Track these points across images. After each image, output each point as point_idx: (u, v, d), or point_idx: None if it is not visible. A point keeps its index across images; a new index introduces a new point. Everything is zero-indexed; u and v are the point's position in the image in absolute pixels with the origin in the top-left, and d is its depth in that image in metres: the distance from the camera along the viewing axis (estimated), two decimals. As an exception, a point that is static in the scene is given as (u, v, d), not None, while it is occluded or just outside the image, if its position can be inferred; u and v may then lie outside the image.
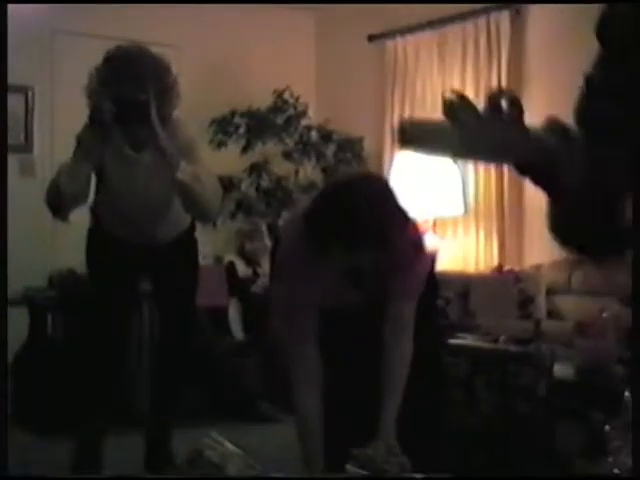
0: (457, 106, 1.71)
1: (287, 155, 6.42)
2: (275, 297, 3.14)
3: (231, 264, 5.65)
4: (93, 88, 3.64)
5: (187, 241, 3.96)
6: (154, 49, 3.79)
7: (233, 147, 6.34)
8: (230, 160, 6.14)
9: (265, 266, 5.59)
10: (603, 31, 1.57)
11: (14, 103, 5.77)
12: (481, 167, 5.96)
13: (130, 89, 3.56)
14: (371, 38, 6.72)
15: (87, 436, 3.86)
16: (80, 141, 3.66)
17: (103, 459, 3.84)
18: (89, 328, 3.96)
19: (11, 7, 5.58)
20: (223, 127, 6.34)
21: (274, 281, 3.22)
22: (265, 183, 6.39)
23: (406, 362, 2.86)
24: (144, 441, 3.99)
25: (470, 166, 6.01)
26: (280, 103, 6.48)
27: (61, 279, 5.19)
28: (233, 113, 6.39)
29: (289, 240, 2.90)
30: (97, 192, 3.82)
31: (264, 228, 5.80)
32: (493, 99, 1.70)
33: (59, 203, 3.66)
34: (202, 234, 4.12)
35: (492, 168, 5.89)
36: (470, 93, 5.79)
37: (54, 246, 5.62)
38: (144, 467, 3.92)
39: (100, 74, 3.61)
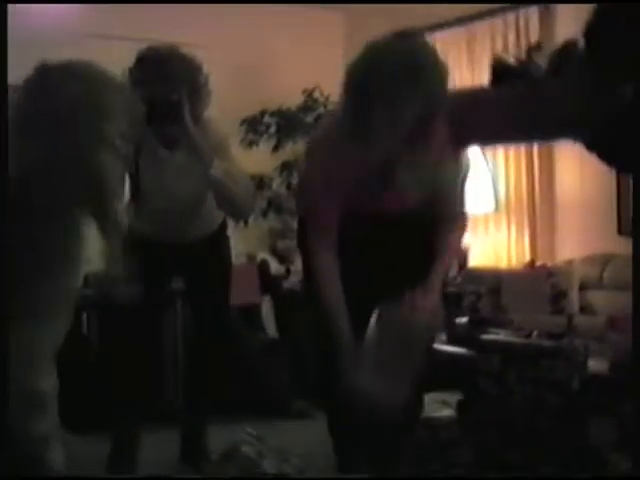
0: (510, 67, 1.67)
1: (317, 153, 6.44)
2: (305, 180, 3.21)
3: (264, 262, 5.68)
4: None
5: (219, 239, 4.00)
6: (185, 50, 3.83)
7: (264, 146, 6.37)
8: (261, 159, 6.18)
9: (297, 264, 5.61)
10: None
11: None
12: (511, 162, 5.96)
13: (162, 89, 3.60)
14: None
15: (122, 434, 3.91)
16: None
17: (138, 456, 3.88)
18: (123, 327, 3.99)
19: (42, 10, 5.68)
20: (254, 126, 6.37)
21: (305, 169, 3.29)
22: (296, 181, 6.42)
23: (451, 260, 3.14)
24: (179, 437, 4.02)
25: (500, 162, 6.01)
26: (310, 102, 6.50)
27: (96, 278, 5.24)
28: (263, 113, 6.42)
29: (323, 131, 3.07)
30: (130, 192, 3.86)
31: (296, 226, 5.82)
32: (558, 57, 1.66)
33: None
34: (234, 232, 4.16)
35: (522, 163, 5.89)
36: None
37: (89, 246, 5.67)
38: (179, 463, 3.96)
39: (132, 75, 3.65)
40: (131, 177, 3.78)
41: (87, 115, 2.29)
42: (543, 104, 1.69)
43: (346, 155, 2.82)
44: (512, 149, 5.97)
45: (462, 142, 2.09)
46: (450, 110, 1.89)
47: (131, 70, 3.66)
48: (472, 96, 1.90)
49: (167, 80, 3.61)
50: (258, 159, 6.06)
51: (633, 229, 1.71)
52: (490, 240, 6.07)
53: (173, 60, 3.68)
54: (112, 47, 5.68)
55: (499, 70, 1.73)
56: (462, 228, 3.17)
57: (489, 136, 1.87)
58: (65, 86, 2.32)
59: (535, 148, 5.87)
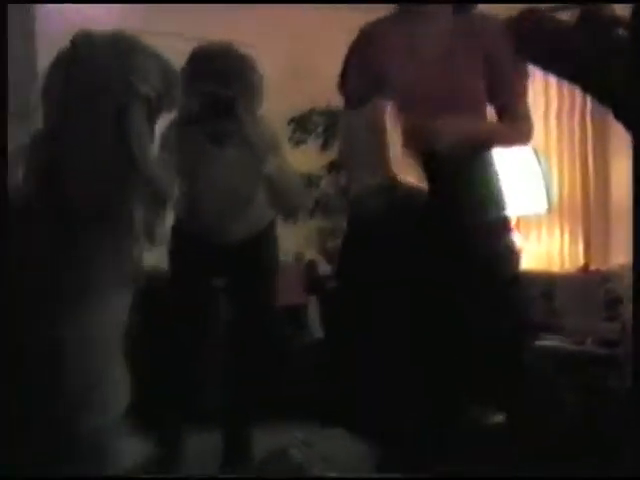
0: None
1: (366, 153, 6.37)
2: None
3: (311, 262, 5.64)
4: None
5: (267, 238, 3.96)
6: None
7: (312, 145, 6.32)
8: (309, 158, 6.12)
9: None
10: None
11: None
12: (565, 163, 5.85)
13: (216, 86, 3.57)
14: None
15: (166, 434, 3.88)
16: (166, 138, 3.67)
17: (182, 457, 3.85)
18: (168, 326, 3.97)
19: (98, 9, 5.68)
20: (302, 125, 6.32)
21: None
22: (344, 181, 6.35)
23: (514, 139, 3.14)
24: (222, 439, 3.99)
25: (554, 163, 5.91)
26: (359, 100, 6.43)
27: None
28: (311, 111, 6.37)
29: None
30: (179, 190, 3.83)
31: (344, 226, 5.77)
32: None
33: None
34: (282, 231, 4.11)
35: (577, 165, 5.78)
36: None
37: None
38: (222, 465, 3.93)
39: (186, 72, 3.62)
40: (181, 173, 3.75)
41: (119, 74, 2.32)
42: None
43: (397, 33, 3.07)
44: (566, 150, 5.87)
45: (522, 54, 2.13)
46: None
47: (185, 67, 3.64)
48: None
49: (221, 76, 3.58)
50: (306, 158, 6.00)
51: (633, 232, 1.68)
52: (542, 243, 5.96)
53: (227, 57, 3.66)
54: (165, 45, 5.67)
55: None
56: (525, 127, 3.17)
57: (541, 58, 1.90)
58: (96, 52, 2.35)
59: (590, 149, 5.76)
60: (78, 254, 2.29)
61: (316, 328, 5.49)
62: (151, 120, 2.41)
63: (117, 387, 2.41)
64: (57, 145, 2.29)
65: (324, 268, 5.64)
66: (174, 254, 3.93)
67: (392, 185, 2.74)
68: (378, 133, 2.78)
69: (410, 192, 2.78)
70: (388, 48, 3.10)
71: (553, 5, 3.36)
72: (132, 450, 2.41)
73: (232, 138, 3.65)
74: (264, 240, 3.94)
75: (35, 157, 2.33)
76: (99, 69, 2.32)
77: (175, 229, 3.93)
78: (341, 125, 2.99)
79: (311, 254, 5.76)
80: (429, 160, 2.83)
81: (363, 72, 3.14)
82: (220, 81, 3.58)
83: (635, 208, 1.71)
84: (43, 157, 2.30)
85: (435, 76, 2.99)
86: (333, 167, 6.35)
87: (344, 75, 3.29)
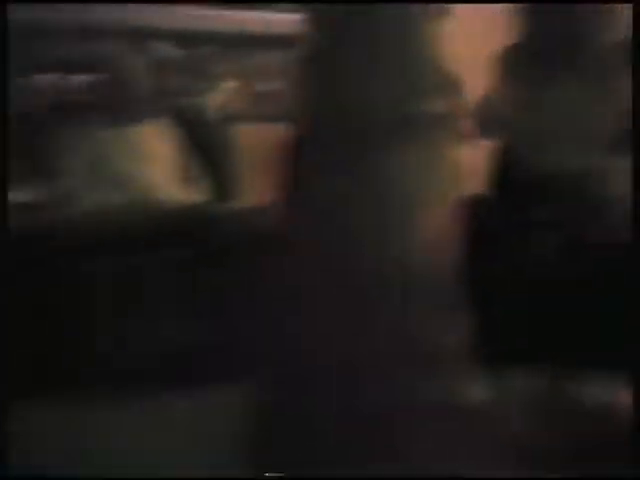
0: None
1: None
2: None
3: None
4: None
5: (597, 172, 3.89)
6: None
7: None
8: None
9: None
10: None
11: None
12: None
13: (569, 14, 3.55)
14: None
15: (497, 376, 3.90)
16: (507, 65, 3.69)
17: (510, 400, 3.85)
18: (493, 260, 4.01)
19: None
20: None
21: None
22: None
23: None
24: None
25: None
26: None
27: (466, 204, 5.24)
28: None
29: None
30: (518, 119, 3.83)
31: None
32: None
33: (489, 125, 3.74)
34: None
35: None
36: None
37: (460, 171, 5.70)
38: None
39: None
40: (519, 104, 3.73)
41: None
42: None
43: None
44: None
45: None
46: None
47: None
48: None
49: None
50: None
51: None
52: None
53: None
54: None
55: None
56: None
57: None
58: None
59: None
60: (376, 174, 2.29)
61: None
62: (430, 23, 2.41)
63: (455, 313, 2.44)
64: (332, 66, 2.29)
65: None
66: (499, 182, 3.96)
67: None
68: None
69: None
70: None
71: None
72: (471, 384, 2.41)
73: (585, 68, 3.60)
74: (594, 175, 3.86)
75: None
76: None
77: (506, 157, 3.94)
78: None
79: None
80: None
81: None
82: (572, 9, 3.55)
83: None
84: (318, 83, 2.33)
85: None
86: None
87: None
